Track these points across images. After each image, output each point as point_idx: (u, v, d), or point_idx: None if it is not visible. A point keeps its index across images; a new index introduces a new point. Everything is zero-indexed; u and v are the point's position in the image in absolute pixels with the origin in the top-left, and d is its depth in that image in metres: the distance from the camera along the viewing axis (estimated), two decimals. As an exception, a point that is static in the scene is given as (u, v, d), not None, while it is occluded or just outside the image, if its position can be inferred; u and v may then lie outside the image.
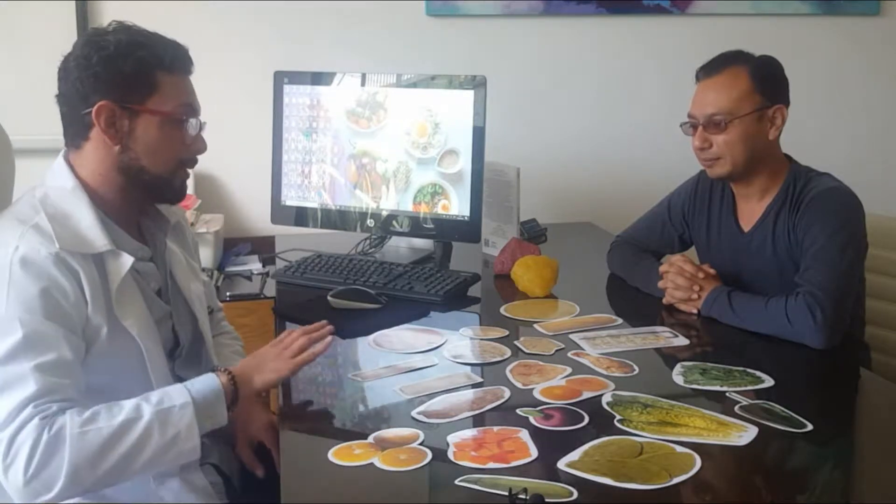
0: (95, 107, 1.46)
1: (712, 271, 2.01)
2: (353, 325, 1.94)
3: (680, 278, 2.01)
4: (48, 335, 1.37)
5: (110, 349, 1.46)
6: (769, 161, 2.02)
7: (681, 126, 2.05)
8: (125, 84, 1.48)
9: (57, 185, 1.50)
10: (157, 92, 1.50)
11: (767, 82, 1.99)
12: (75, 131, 1.51)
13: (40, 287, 1.38)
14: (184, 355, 1.65)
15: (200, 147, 1.59)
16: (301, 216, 2.48)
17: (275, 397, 1.72)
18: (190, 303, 1.67)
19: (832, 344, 1.81)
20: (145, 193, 1.58)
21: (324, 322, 1.67)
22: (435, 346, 1.82)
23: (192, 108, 1.56)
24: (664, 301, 2.05)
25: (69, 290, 1.41)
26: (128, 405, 1.38)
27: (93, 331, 1.44)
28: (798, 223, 1.96)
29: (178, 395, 1.42)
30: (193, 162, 1.60)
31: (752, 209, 2.07)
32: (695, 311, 1.99)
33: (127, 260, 1.51)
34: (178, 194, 1.61)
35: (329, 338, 1.63)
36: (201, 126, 1.58)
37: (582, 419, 1.46)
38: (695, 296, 1.98)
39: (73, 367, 1.39)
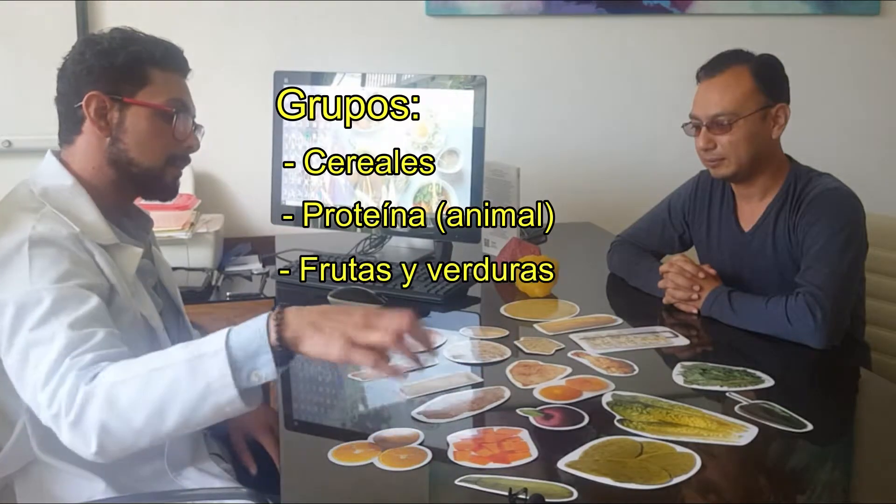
0: (85, 97, 1.48)
1: (712, 271, 2.01)
2: (353, 325, 1.94)
3: (680, 278, 2.00)
4: (75, 296, 1.36)
5: (126, 336, 1.46)
6: (771, 161, 2.02)
7: (683, 127, 2.05)
8: (116, 76, 1.50)
9: (55, 182, 1.50)
10: (147, 85, 1.52)
11: (769, 81, 1.99)
12: (68, 126, 1.53)
13: (63, 260, 1.38)
14: None
15: (192, 145, 1.60)
16: (301, 216, 2.48)
17: (275, 396, 1.72)
18: (175, 298, 1.71)
19: (832, 344, 1.81)
20: (136, 188, 1.58)
21: (434, 336, 1.46)
22: (435, 346, 1.81)
23: (184, 105, 1.56)
24: (664, 301, 2.05)
25: (90, 267, 1.42)
26: (163, 354, 1.31)
27: (115, 311, 1.44)
28: (799, 223, 1.96)
29: (213, 341, 1.27)
30: (185, 159, 1.61)
31: (752, 209, 2.07)
32: (695, 311, 1.99)
33: (136, 252, 1.53)
34: (169, 191, 1.61)
35: (411, 365, 1.31)
36: (195, 126, 1.59)
37: (582, 419, 1.46)
38: (695, 296, 1.98)
39: (103, 315, 1.37)
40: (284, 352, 1.27)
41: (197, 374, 1.25)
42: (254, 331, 1.27)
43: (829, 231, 1.91)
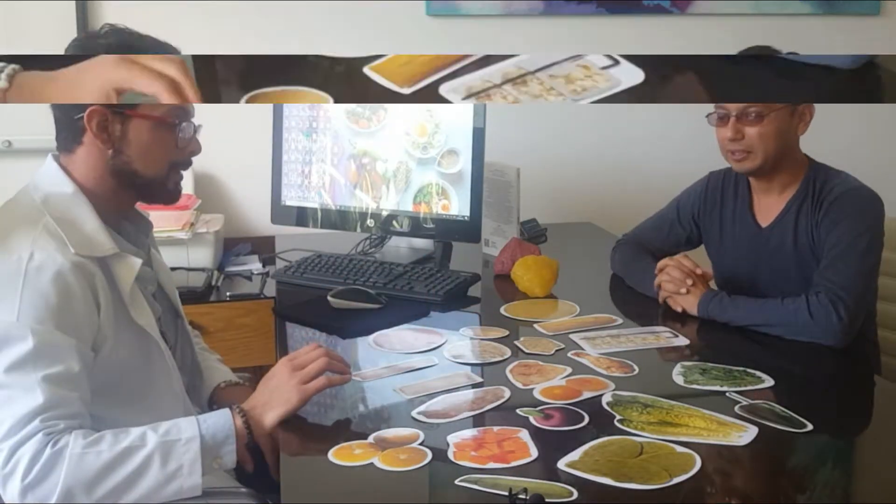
0: (87, 111, 1.45)
1: (709, 273, 2.01)
2: (353, 325, 1.94)
3: (676, 272, 2.00)
4: (59, 346, 1.36)
5: (121, 351, 1.47)
6: (792, 157, 2.01)
7: (707, 116, 2.01)
8: None
9: (56, 190, 1.49)
10: None
11: None
12: (68, 136, 1.50)
13: (55, 296, 1.37)
14: (178, 356, 1.66)
15: (195, 149, 1.58)
16: (301, 216, 2.48)
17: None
18: (175, 304, 1.70)
19: (846, 343, 1.82)
20: (138, 196, 1.57)
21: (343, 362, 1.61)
22: (435, 346, 1.82)
23: (185, 111, 1.54)
24: (659, 299, 2.04)
25: (83, 298, 1.40)
26: (134, 432, 1.37)
27: (104, 337, 1.44)
28: (822, 220, 1.95)
29: (186, 427, 1.40)
30: (188, 164, 1.59)
31: (770, 204, 2.05)
32: (690, 308, 1.97)
33: (135, 262, 1.51)
34: (172, 196, 1.59)
35: (347, 376, 1.58)
36: (196, 129, 1.56)
37: (582, 419, 1.46)
38: (684, 290, 1.97)
39: (81, 379, 1.38)
40: (251, 440, 1.46)
41: (170, 457, 1.36)
42: (223, 423, 1.43)
43: (854, 231, 1.91)
